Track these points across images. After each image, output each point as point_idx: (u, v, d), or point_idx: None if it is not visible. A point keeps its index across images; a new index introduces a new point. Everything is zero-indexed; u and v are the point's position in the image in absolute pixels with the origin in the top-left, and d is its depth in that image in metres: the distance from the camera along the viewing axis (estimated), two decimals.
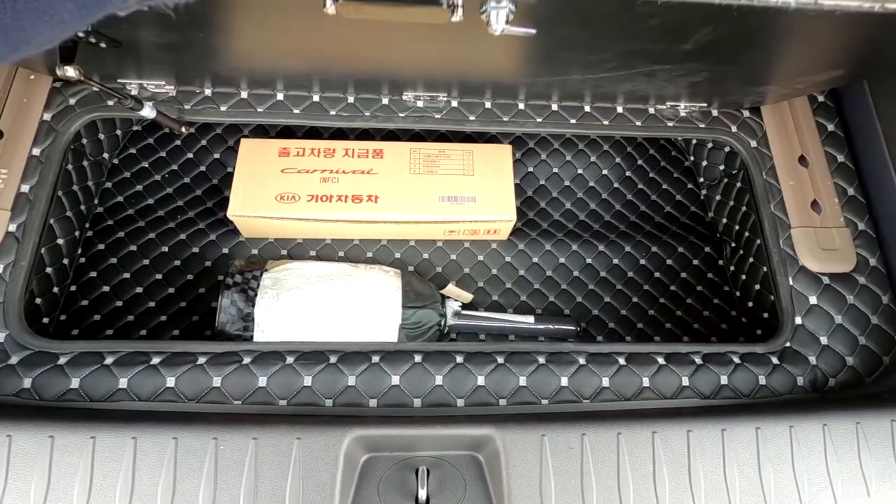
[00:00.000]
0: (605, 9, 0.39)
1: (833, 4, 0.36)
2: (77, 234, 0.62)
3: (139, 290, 0.63)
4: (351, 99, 0.64)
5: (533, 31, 0.37)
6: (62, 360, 0.49)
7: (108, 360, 0.49)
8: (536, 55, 0.51)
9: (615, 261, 0.70)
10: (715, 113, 0.67)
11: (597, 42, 0.46)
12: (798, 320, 0.57)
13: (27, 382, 0.48)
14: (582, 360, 0.53)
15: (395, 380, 0.51)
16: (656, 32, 0.42)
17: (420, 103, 0.64)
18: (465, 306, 0.64)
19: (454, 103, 0.65)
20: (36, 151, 0.57)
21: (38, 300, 0.55)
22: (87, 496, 0.41)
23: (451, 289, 0.66)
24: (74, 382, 0.48)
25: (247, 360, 0.50)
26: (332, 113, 0.63)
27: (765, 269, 0.62)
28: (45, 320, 0.57)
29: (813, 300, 0.58)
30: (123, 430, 0.43)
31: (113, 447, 0.42)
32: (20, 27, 0.15)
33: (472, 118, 0.65)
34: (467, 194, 0.64)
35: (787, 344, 0.56)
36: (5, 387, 0.47)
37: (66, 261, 0.60)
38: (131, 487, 0.41)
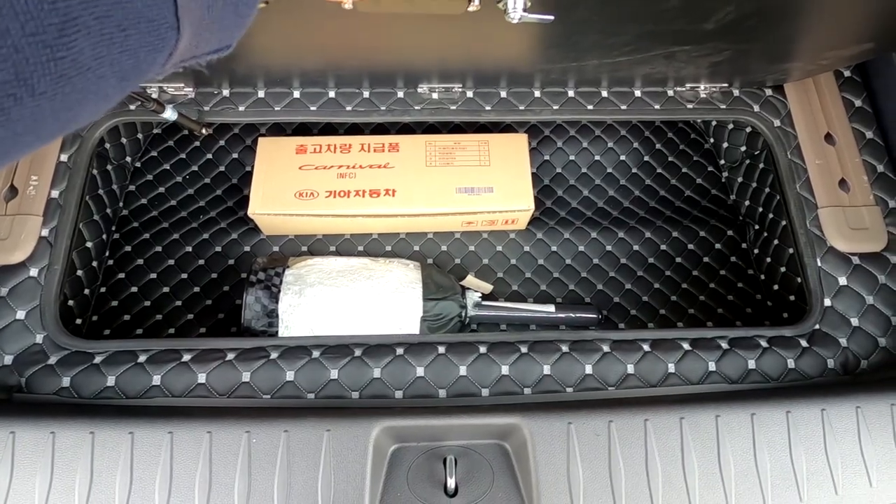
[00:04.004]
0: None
1: None
2: (104, 236, 0.64)
3: (166, 289, 0.64)
4: (366, 93, 0.64)
5: (551, 17, 0.36)
6: (98, 360, 0.50)
7: (142, 359, 0.51)
8: (553, 41, 0.50)
9: (635, 247, 0.69)
10: (736, 93, 0.66)
11: (615, 25, 0.45)
12: (827, 302, 0.56)
13: (66, 381, 0.49)
14: (606, 348, 0.53)
15: (420, 371, 0.51)
16: (676, 12, 0.41)
17: (435, 95, 0.64)
18: (485, 297, 0.64)
19: (469, 94, 0.64)
20: (64, 157, 0.59)
21: (70, 302, 0.57)
22: (129, 489, 0.43)
23: (470, 280, 0.67)
24: (110, 380, 0.49)
25: (274, 355, 0.51)
26: (348, 108, 0.64)
27: (791, 250, 0.61)
28: (78, 321, 0.59)
29: (843, 281, 0.57)
30: (160, 426, 0.44)
31: (151, 442, 0.44)
32: (68, 108, 0.16)
33: (487, 108, 0.64)
34: (484, 185, 0.64)
35: (817, 326, 0.55)
36: (46, 386, 0.49)
37: (95, 263, 0.62)
38: (170, 480, 0.43)
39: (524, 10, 0.34)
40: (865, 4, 0.42)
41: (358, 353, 0.52)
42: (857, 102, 0.65)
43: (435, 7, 0.37)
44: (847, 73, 0.67)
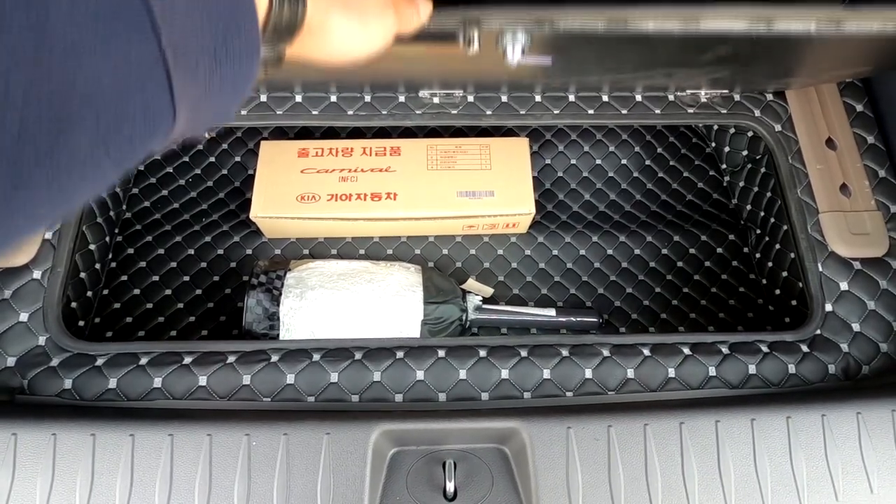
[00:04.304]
0: (619, 41, 0.38)
1: (856, 29, 0.34)
2: (108, 239, 0.64)
3: (168, 292, 0.65)
4: (368, 98, 0.64)
5: (549, 61, 0.37)
6: (99, 362, 0.51)
7: (143, 361, 0.51)
8: (553, 70, 0.50)
9: (636, 251, 0.69)
10: (737, 98, 0.66)
11: (613, 61, 0.45)
12: (828, 307, 0.56)
13: (68, 383, 0.50)
14: (606, 352, 0.53)
15: (420, 375, 0.51)
16: (673, 50, 0.41)
17: (436, 99, 0.64)
18: (485, 300, 0.64)
19: (470, 98, 0.65)
20: None
21: (73, 304, 0.57)
22: (129, 491, 0.43)
23: (471, 283, 0.67)
24: (112, 383, 0.50)
25: (275, 358, 0.52)
26: (350, 112, 0.64)
27: (792, 255, 0.61)
28: (81, 323, 0.59)
29: (844, 286, 0.57)
30: (160, 428, 0.44)
31: (151, 444, 0.44)
32: (64, 196, 0.16)
33: (488, 112, 0.64)
34: (485, 189, 0.64)
35: (818, 331, 0.55)
36: (48, 388, 0.49)
37: (98, 265, 0.62)
38: (170, 482, 0.43)
39: (522, 55, 0.35)
40: (861, 45, 0.42)
41: (358, 356, 0.52)
42: (859, 107, 0.65)
43: (435, 50, 0.37)
44: (848, 79, 0.67)
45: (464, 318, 0.60)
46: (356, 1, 0.26)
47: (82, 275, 0.59)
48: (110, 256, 0.65)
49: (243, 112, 0.63)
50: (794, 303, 0.61)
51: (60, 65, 0.15)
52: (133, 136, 0.17)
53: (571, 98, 0.65)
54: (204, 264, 0.66)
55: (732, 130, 0.70)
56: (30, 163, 0.15)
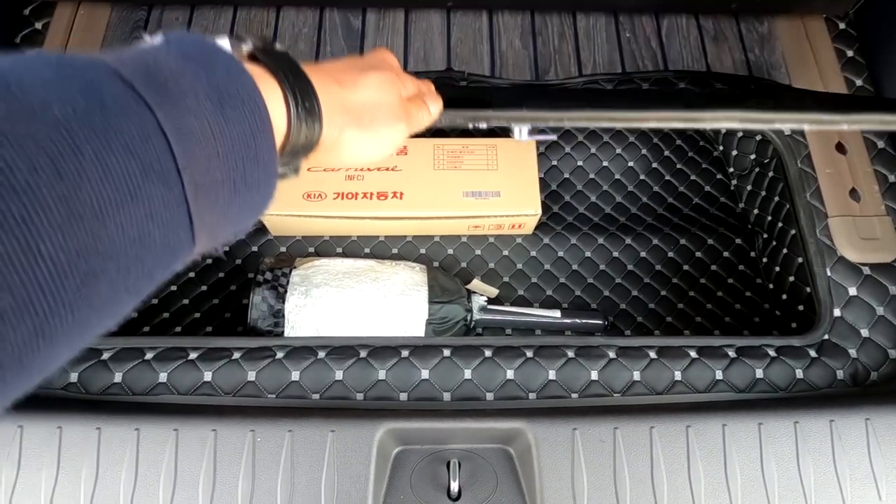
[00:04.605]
0: None
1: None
2: None
3: (174, 288, 0.65)
4: None
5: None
6: (105, 356, 0.51)
7: (149, 356, 0.51)
8: None
9: (642, 254, 0.69)
10: None
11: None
12: (837, 312, 0.55)
13: (74, 377, 0.50)
14: (612, 354, 0.52)
15: (425, 374, 0.51)
16: None
17: None
18: (490, 301, 0.64)
19: None
20: None
21: None
22: (133, 485, 0.43)
23: (476, 284, 0.67)
24: (117, 377, 0.50)
25: (280, 354, 0.52)
26: None
27: (800, 259, 0.60)
28: None
29: (853, 291, 0.56)
30: (165, 423, 0.44)
31: (156, 439, 0.44)
32: (84, 332, 0.17)
33: None
34: (491, 189, 0.64)
35: (826, 336, 0.54)
36: (54, 381, 0.49)
37: None
38: (174, 477, 0.43)
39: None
40: None
41: (363, 354, 0.52)
42: None
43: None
44: (859, 83, 0.66)
45: (468, 318, 0.60)
46: (369, 115, 0.27)
47: None
48: None
49: None
50: (800, 308, 0.61)
51: (89, 226, 0.15)
52: (153, 269, 0.18)
53: None
54: (209, 261, 0.66)
55: (741, 134, 0.70)
56: (53, 316, 0.15)
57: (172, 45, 0.19)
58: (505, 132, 0.73)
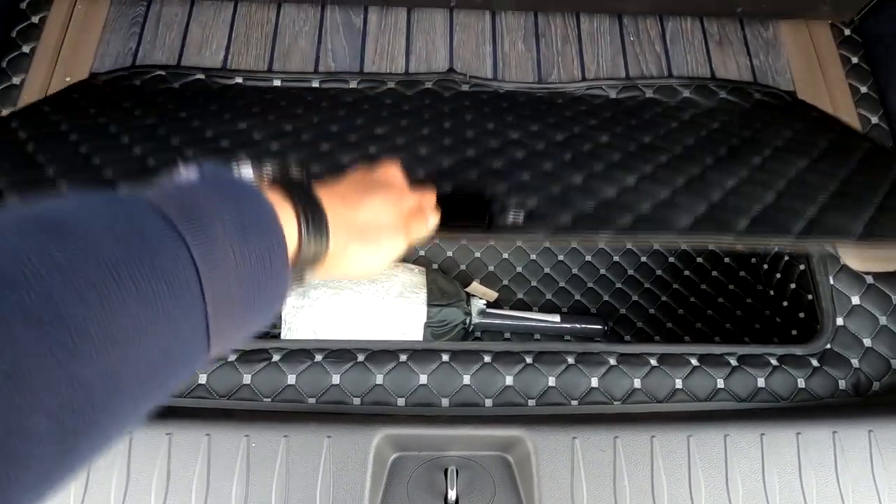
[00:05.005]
0: None
1: None
2: None
3: None
4: None
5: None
6: None
7: None
8: None
9: (643, 259, 0.68)
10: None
11: None
12: (840, 321, 0.55)
13: None
14: (612, 361, 0.52)
15: (423, 379, 0.50)
16: None
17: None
18: (489, 304, 0.63)
19: None
20: None
21: None
22: (125, 489, 0.42)
23: (475, 287, 0.66)
24: None
25: (276, 357, 0.51)
26: None
27: (801, 267, 0.60)
28: None
29: (856, 300, 0.56)
30: (159, 426, 0.43)
31: (148, 443, 0.43)
32: (99, 446, 0.18)
33: None
34: None
35: (828, 346, 0.54)
36: None
37: None
38: (167, 482, 0.42)
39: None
40: None
41: (361, 358, 0.51)
42: (874, 119, 0.64)
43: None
44: (864, 90, 0.66)
45: (467, 321, 0.60)
46: (373, 231, 0.29)
47: None
48: None
49: None
50: (801, 315, 0.60)
51: (122, 349, 0.16)
52: (170, 380, 0.19)
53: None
54: None
55: None
56: (80, 435, 0.16)
57: (207, 182, 0.22)
58: None
